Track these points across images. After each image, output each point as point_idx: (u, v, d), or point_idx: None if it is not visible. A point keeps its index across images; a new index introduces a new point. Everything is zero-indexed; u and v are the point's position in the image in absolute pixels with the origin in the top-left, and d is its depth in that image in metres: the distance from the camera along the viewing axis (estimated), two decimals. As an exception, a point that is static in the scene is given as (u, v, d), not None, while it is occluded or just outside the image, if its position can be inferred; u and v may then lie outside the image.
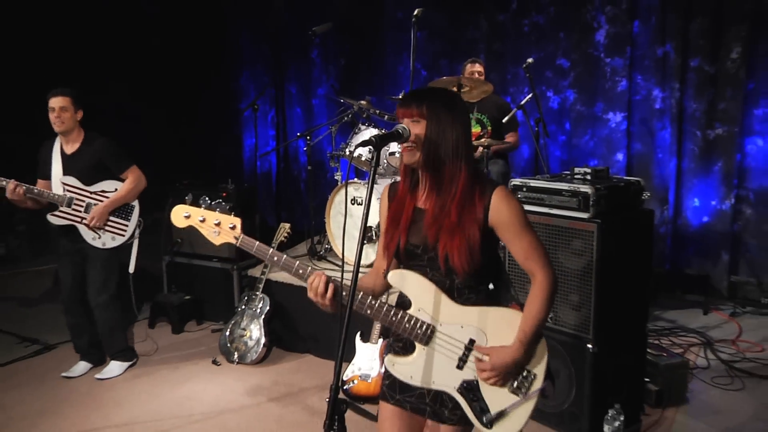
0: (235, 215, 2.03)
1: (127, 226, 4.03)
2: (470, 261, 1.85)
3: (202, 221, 2.01)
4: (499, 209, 1.87)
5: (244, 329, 4.31)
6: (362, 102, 4.67)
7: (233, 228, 2.00)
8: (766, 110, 5.04)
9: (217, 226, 2.01)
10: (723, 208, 5.26)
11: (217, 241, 2.02)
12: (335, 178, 4.95)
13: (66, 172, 3.92)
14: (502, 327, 1.87)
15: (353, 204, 4.47)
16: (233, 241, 2.00)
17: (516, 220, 1.88)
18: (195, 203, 2.06)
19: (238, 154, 7.73)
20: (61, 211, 3.90)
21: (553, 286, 1.90)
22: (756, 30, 4.96)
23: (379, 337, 3.69)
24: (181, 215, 2.04)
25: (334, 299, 1.89)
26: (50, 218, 3.92)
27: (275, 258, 1.97)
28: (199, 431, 3.44)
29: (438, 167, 1.89)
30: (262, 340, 4.24)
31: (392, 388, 2.04)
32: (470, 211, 1.87)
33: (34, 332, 4.76)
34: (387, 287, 2.06)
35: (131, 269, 4.10)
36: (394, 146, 4.28)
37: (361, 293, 1.91)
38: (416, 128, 1.88)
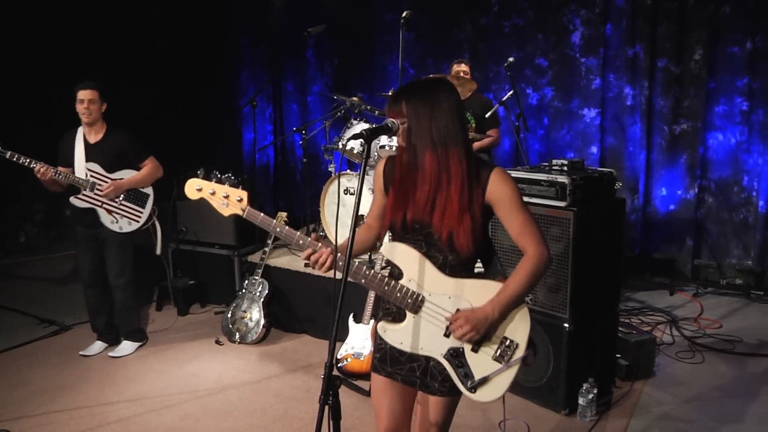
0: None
1: (142, 212, 4.00)
2: (474, 241, 1.82)
3: (212, 194, 2.00)
4: (497, 187, 1.83)
5: (245, 311, 4.28)
6: (354, 98, 4.62)
7: (240, 201, 1.98)
8: (726, 107, 5.06)
9: (225, 198, 1.99)
10: (687, 197, 5.28)
11: (226, 212, 2.00)
12: (329, 169, 4.89)
13: (89, 159, 3.87)
14: (487, 299, 1.84)
15: (346, 194, 4.44)
16: (240, 213, 1.98)
17: (512, 197, 1.84)
18: (206, 177, 2.04)
19: (239, 148, 7.66)
20: (84, 195, 3.85)
21: (541, 261, 1.84)
22: (715, 35, 4.98)
23: (371, 318, 3.68)
24: (193, 188, 2.03)
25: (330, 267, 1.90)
26: (73, 201, 3.87)
27: (278, 229, 1.95)
28: (204, 405, 3.43)
29: (420, 155, 1.82)
30: (262, 322, 4.22)
31: (383, 361, 2.01)
32: (471, 192, 1.82)
33: (52, 314, 4.72)
34: (377, 242, 2.06)
35: (158, 251, 4.12)
36: (384, 139, 4.25)
37: (356, 263, 1.88)
38: (404, 128, 1.83)
